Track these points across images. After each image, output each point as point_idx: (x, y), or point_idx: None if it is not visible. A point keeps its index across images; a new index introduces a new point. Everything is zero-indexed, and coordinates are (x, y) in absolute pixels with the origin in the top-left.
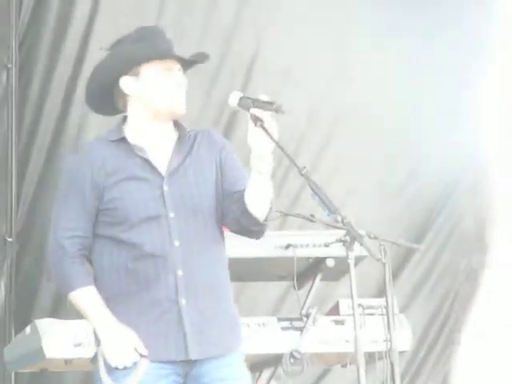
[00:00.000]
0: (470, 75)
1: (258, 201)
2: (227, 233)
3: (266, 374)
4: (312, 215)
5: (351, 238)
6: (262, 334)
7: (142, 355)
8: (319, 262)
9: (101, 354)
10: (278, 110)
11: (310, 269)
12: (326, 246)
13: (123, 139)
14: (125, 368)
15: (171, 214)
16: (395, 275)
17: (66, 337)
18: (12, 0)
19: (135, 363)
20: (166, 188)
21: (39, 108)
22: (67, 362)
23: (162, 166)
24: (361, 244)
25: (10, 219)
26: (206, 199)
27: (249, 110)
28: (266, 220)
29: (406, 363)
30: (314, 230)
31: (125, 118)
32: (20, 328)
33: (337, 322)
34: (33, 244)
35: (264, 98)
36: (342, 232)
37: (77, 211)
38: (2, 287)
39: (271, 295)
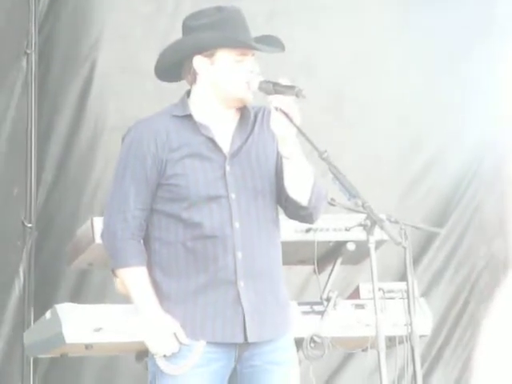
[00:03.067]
0: (486, 63)
1: (296, 186)
2: None
3: None
4: (332, 199)
5: (372, 221)
6: None
7: (197, 339)
8: (340, 245)
9: None
10: (298, 94)
11: (331, 253)
12: (347, 230)
13: (189, 116)
14: (181, 351)
15: (232, 195)
16: (416, 261)
17: (86, 322)
18: None
19: (190, 347)
20: (228, 168)
21: (58, 95)
22: (87, 346)
23: (225, 145)
24: (381, 228)
25: (29, 205)
26: (268, 180)
27: (269, 94)
28: (310, 203)
29: (426, 347)
30: (334, 214)
31: (188, 93)
32: (41, 314)
33: (357, 306)
34: (52, 230)
35: (285, 81)
36: (363, 216)
37: (137, 184)
38: (22, 273)
39: (292, 279)
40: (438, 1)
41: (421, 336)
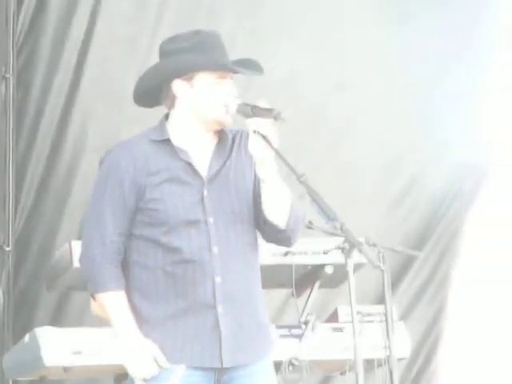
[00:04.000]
0: (468, 82)
1: (273, 208)
2: None
3: None
4: (310, 222)
5: (350, 245)
6: None
7: (176, 363)
8: (318, 269)
9: None
10: (277, 117)
11: (309, 276)
12: (325, 253)
13: (167, 140)
14: (161, 374)
15: (210, 220)
16: (395, 284)
17: (65, 345)
18: (10, 9)
19: (170, 370)
20: (205, 193)
21: (38, 117)
22: (66, 369)
23: (203, 170)
24: (360, 251)
25: (7, 228)
26: (246, 204)
27: (248, 117)
28: (288, 226)
29: (405, 370)
30: (312, 238)
31: (167, 116)
32: (20, 337)
33: (335, 329)
34: (31, 253)
35: (263, 104)
36: (341, 239)
37: (115, 208)
38: (0, 296)
39: (270, 303)
40: (422, 16)
41: (399, 359)
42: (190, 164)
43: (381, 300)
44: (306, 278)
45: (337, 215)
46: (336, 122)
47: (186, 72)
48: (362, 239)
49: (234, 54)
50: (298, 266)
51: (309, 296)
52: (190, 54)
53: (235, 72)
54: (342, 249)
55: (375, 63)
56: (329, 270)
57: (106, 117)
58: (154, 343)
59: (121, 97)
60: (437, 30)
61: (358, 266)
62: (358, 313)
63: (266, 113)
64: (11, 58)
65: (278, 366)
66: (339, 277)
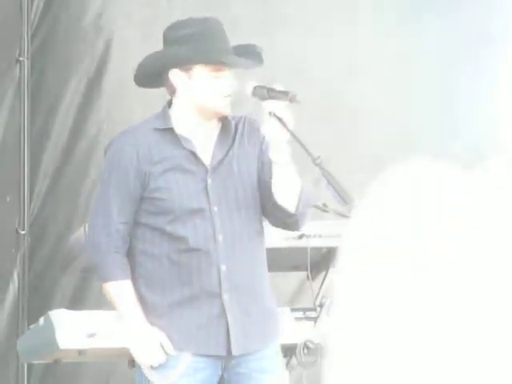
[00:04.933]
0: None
1: (284, 192)
2: None
3: None
4: (325, 205)
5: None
6: None
7: (182, 349)
8: (333, 252)
9: None
10: (292, 100)
11: (324, 259)
12: (340, 236)
13: (170, 129)
14: (168, 362)
15: (215, 208)
16: None
17: (79, 327)
18: None
19: (177, 357)
20: (209, 181)
21: (53, 103)
22: (81, 352)
23: (207, 158)
24: None
25: (22, 212)
26: (250, 192)
27: (263, 99)
28: (298, 210)
29: None
30: (327, 220)
31: (169, 104)
32: (35, 320)
33: None
34: (46, 237)
35: (278, 87)
36: None
37: (120, 197)
38: (16, 280)
39: (285, 286)
40: (433, 8)
41: None
42: (193, 153)
43: None
44: (321, 260)
45: (352, 198)
46: (347, 110)
47: (183, 64)
48: None
49: (246, 40)
50: (313, 249)
51: (324, 279)
52: (190, 44)
53: (230, 66)
54: None
55: (389, 48)
56: None
57: (123, 102)
58: (160, 331)
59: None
60: (454, 19)
61: None
62: None
63: (282, 95)
64: (26, 41)
65: (293, 348)
66: None
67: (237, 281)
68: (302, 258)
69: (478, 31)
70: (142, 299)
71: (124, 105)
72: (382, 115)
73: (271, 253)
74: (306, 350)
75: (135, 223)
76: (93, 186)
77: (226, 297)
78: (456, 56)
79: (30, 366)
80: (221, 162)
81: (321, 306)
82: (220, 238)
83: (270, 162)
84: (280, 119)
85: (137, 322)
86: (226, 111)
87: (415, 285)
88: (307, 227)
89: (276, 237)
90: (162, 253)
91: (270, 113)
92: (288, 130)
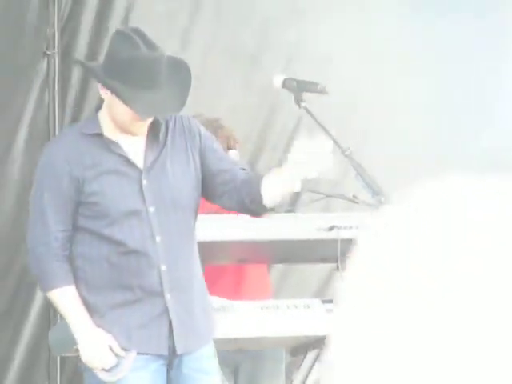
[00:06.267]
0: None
1: (274, 194)
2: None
3: (311, 356)
4: (355, 196)
5: None
6: (307, 316)
7: (126, 350)
8: None
9: None
10: (322, 91)
11: None
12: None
13: (99, 134)
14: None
15: (151, 209)
16: None
17: None
18: None
19: (122, 356)
20: (144, 182)
21: (82, 96)
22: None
23: (139, 159)
24: None
25: None
26: (186, 190)
27: (293, 91)
28: (273, 208)
29: None
30: (357, 212)
31: (98, 108)
32: None
33: None
34: None
35: (309, 79)
36: None
37: (56, 205)
38: None
39: (315, 277)
40: (460, 8)
41: None
42: (124, 157)
43: None
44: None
45: (381, 189)
46: (371, 104)
47: (105, 86)
48: None
49: (275, 33)
50: (343, 241)
51: None
52: (119, 77)
53: (146, 119)
54: None
55: (415, 43)
56: None
57: None
58: (106, 332)
59: None
60: (478, 18)
61: None
62: None
63: (311, 87)
64: (55, 34)
65: (323, 340)
66: None
67: (177, 280)
68: (331, 250)
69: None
70: (83, 301)
71: None
72: (409, 105)
73: (301, 245)
74: None
75: (73, 227)
76: None
77: (168, 296)
78: (474, 48)
79: (62, 359)
80: (154, 162)
81: None
82: (158, 238)
83: (216, 151)
84: (309, 111)
85: (84, 326)
86: (136, 134)
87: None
88: (337, 219)
89: (306, 229)
90: (101, 256)
91: (299, 105)
92: (318, 122)
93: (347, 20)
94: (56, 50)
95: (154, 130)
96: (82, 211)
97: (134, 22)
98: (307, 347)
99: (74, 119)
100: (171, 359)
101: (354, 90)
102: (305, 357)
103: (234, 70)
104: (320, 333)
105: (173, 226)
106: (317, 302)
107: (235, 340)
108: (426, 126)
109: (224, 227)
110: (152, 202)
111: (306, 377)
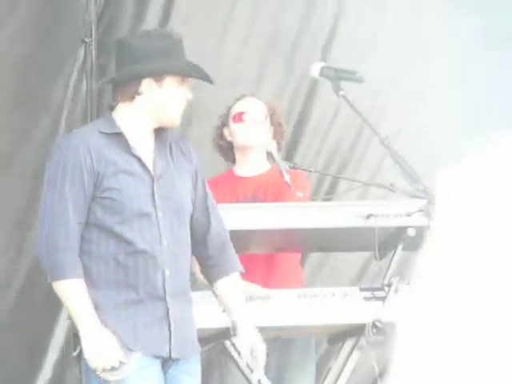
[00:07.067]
0: None
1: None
2: (304, 203)
3: (349, 344)
4: (392, 185)
5: (433, 207)
6: (345, 304)
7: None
8: (400, 231)
9: None
10: (360, 80)
11: (392, 238)
12: (408, 215)
13: (118, 134)
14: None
15: (160, 214)
16: None
17: None
18: None
19: (127, 354)
20: (155, 188)
21: None
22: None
23: (150, 166)
24: None
25: None
26: (187, 204)
27: (331, 79)
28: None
29: None
30: (395, 200)
31: (112, 110)
32: None
33: None
34: None
35: (346, 67)
36: (424, 201)
37: (76, 197)
38: None
39: (353, 265)
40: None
41: None
42: (139, 159)
43: None
44: (389, 240)
45: (420, 177)
46: (417, 84)
47: (158, 74)
48: None
49: (314, 12)
50: (381, 229)
51: (392, 258)
52: (160, 57)
53: (205, 80)
54: (425, 211)
55: (459, 29)
56: (411, 232)
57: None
58: (107, 329)
59: (202, 60)
60: None
61: None
62: None
63: (349, 75)
64: (92, 22)
65: (361, 328)
66: (421, 239)
67: (177, 286)
68: (369, 238)
69: None
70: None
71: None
72: (449, 90)
73: (339, 233)
74: (374, 330)
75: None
76: None
77: (169, 300)
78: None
79: None
80: (164, 172)
81: (389, 285)
82: (165, 242)
83: (204, 188)
84: (347, 99)
85: (92, 323)
86: (177, 122)
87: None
88: (375, 207)
89: (343, 217)
90: (108, 254)
91: (337, 94)
92: (356, 110)
93: (388, 6)
94: (93, 37)
95: (160, 139)
96: (93, 207)
97: (173, 8)
98: (345, 335)
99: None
100: (165, 363)
101: (394, 76)
102: (342, 345)
103: (272, 57)
104: (358, 321)
105: (176, 233)
106: (355, 290)
107: (272, 328)
108: (466, 114)
109: (261, 216)
110: (160, 207)
111: (344, 365)
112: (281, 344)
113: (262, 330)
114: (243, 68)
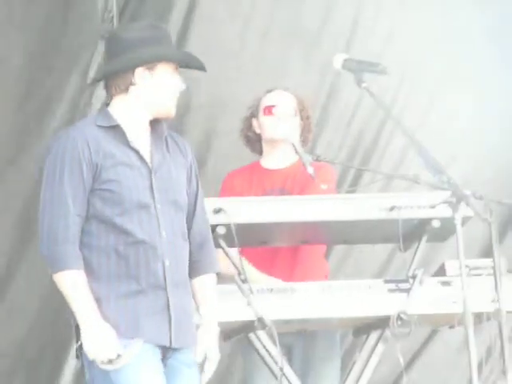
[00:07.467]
0: None
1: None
2: (329, 195)
3: (374, 336)
4: (416, 176)
5: (457, 198)
6: (369, 297)
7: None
8: (424, 223)
9: None
10: (383, 71)
11: (416, 230)
12: (432, 207)
13: (115, 126)
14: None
15: (158, 206)
16: (501, 237)
17: None
18: None
19: (126, 344)
20: (153, 180)
21: None
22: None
23: (147, 158)
24: (467, 204)
25: None
26: (184, 196)
27: (353, 72)
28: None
29: None
30: (419, 192)
31: (106, 105)
32: None
33: (444, 283)
34: None
35: (369, 59)
36: (448, 193)
37: (75, 189)
38: None
39: (377, 257)
40: None
41: (508, 312)
42: (137, 151)
43: (487, 253)
44: (413, 232)
45: (443, 168)
46: (438, 76)
47: (150, 62)
48: (468, 192)
49: (335, 5)
50: (405, 221)
51: (416, 250)
52: (151, 45)
53: (191, 67)
54: (449, 202)
55: (480, 21)
56: (436, 224)
57: (211, 74)
58: (107, 320)
59: (225, 53)
60: None
61: (464, 220)
62: (466, 266)
63: (372, 67)
64: (114, 17)
65: (386, 320)
66: (446, 231)
67: (177, 277)
68: (393, 230)
69: None
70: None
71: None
72: (465, 87)
73: (363, 225)
74: (399, 322)
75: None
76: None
77: (169, 291)
78: None
79: None
80: (161, 164)
81: (413, 277)
82: (164, 233)
83: (197, 186)
84: (372, 94)
85: (93, 315)
86: (172, 112)
87: None
88: (399, 199)
89: (367, 209)
90: (108, 246)
91: (359, 85)
92: (379, 103)
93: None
94: None
95: (155, 132)
96: (92, 200)
97: (196, 5)
98: (370, 328)
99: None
100: (165, 352)
101: (416, 68)
102: (367, 337)
103: (294, 51)
104: (383, 313)
105: (174, 225)
106: (379, 282)
107: (296, 321)
108: (488, 104)
109: (286, 209)
110: (159, 199)
111: (369, 358)
112: (305, 337)
113: (286, 322)
114: (265, 61)
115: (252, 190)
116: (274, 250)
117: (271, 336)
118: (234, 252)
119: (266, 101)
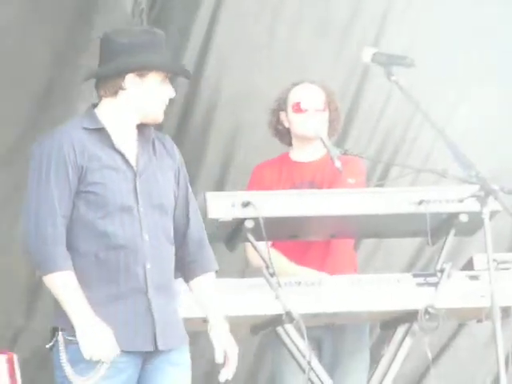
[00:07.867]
0: None
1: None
2: (357, 189)
3: (402, 330)
4: (444, 170)
5: (485, 192)
6: (397, 291)
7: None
8: (453, 217)
9: (62, 342)
10: (412, 65)
11: (444, 224)
12: (460, 201)
13: (100, 129)
14: (90, 361)
15: (141, 209)
16: None
17: None
18: None
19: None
20: (138, 183)
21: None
22: (205, 320)
23: (132, 161)
24: (495, 198)
25: None
26: (170, 199)
27: (382, 65)
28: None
29: None
30: (447, 186)
31: (94, 106)
32: None
33: (471, 277)
34: None
35: (398, 53)
36: (476, 187)
37: (61, 190)
38: None
39: (406, 251)
40: None
41: None
42: (122, 154)
43: None
44: (441, 226)
45: (472, 163)
46: (471, 69)
47: (140, 70)
48: (496, 187)
49: (365, 5)
50: (433, 215)
51: (444, 244)
52: (144, 52)
53: (183, 76)
54: (478, 197)
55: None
56: (464, 218)
57: (239, 68)
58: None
59: (253, 47)
60: None
61: (492, 214)
62: (494, 260)
63: (400, 60)
64: (144, 11)
65: (414, 314)
66: (474, 225)
67: (159, 280)
68: (421, 224)
69: None
70: None
71: (237, 71)
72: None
73: (391, 219)
74: (427, 316)
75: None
76: (213, 153)
77: (151, 294)
78: None
79: None
80: (146, 167)
81: (442, 271)
82: (146, 237)
83: (187, 187)
84: (401, 88)
85: (87, 314)
86: (160, 118)
87: None
88: (427, 193)
89: (395, 203)
90: (89, 250)
91: (389, 78)
92: (408, 96)
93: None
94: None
95: (143, 136)
96: (77, 203)
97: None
98: (398, 321)
99: (95, 105)
100: (149, 356)
101: (444, 62)
102: (395, 331)
103: (323, 44)
104: (411, 307)
105: (159, 228)
106: (408, 276)
107: (325, 315)
108: None
109: (315, 202)
110: (142, 202)
111: (397, 351)
112: (334, 330)
113: (314, 316)
114: (294, 54)
115: (281, 182)
116: (306, 243)
117: (299, 330)
118: (262, 246)
119: (294, 96)
